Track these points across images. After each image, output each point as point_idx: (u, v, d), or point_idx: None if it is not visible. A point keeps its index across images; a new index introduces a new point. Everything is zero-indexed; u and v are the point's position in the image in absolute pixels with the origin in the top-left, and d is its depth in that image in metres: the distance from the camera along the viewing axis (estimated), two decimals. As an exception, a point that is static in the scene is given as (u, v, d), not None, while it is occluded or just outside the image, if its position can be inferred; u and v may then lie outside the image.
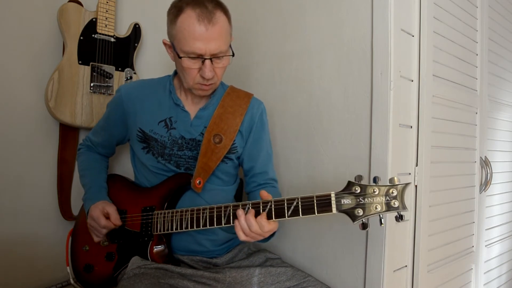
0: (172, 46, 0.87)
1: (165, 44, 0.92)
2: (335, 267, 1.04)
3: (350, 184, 0.72)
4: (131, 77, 1.32)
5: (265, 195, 0.79)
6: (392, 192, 0.68)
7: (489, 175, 1.30)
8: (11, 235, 1.19)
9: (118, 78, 1.30)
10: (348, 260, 1.00)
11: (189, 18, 0.81)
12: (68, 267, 1.00)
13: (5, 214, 1.18)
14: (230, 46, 0.90)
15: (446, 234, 1.12)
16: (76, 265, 0.98)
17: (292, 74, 1.21)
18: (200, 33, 0.81)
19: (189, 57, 0.84)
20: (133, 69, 1.33)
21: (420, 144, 1.00)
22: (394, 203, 0.68)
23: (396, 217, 0.69)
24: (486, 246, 1.35)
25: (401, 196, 0.68)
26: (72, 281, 1.00)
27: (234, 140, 0.98)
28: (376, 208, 0.69)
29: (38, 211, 1.25)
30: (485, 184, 1.30)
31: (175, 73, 1.00)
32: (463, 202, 1.21)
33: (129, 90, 0.99)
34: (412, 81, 1.00)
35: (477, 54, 1.26)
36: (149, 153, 0.96)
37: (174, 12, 0.84)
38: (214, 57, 0.85)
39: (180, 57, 0.84)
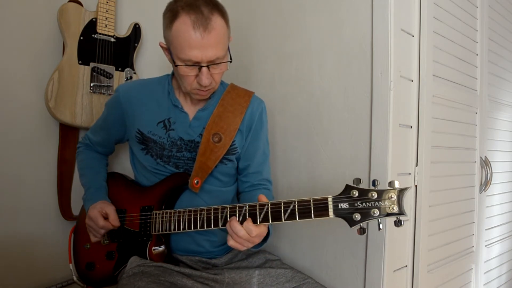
0: (169, 51, 0.86)
1: (162, 46, 0.90)
2: (335, 267, 1.04)
3: (348, 188, 0.69)
4: (131, 77, 1.32)
5: (264, 199, 0.78)
6: (391, 197, 0.66)
7: (489, 175, 1.30)
8: (11, 235, 1.19)
9: (118, 78, 1.30)
10: (348, 260, 1.00)
11: (184, 25, 0.78)
12: (70, 264, 1.00)
13: (5, 214, 1.18)
14: (228, 49, 0.87)
15: (446, 234, 1.12)
16: (78, 263, 0.99)
17: (292, 74, 1.21)
18: (196, 41, 0.78)
19: (186, 65, 0.82)
20: (133, 69, 1.33)
21: (420, 144, 1.00)
22: (392, 208, 0.65)
23: (395, 221, 0.67)
24: (486, 246, 1.35)
25: (399, 200, 0.66)
26: (75, 278, 1.00)
27: (234, 139, 0.96)
28: (374, 213, 0.66)
29: (38, 211, 1.25)
30: (485, 184, 1.30)
31: (174, 73, 0.99)
32: (463, 202, 1.21)
33: (127, 90, 0.97)
34: (412, 81, 1.00)
35: (477, 54, 1.26)
36: (148, 154, 0.96)
37: (169, 17, 0.81)
38: (211, 64, 0.82)
39: (176, 65, 0.83)
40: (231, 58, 0.87)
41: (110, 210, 0.92)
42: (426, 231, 1.02)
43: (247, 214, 0.76)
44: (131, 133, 0.98)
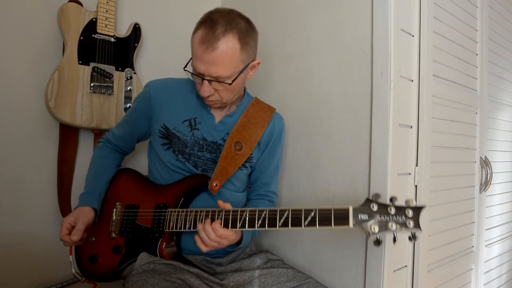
0: None
1: None
2: (335, 267, 1.04)
3: (367, 201, 0.74)
4: (131, 77, 1.32)
5: (221, 205, 0.85)
6: (408, 213, 0.72)
7: (489, 175, 1.30)
8: (11, 235, 1.19)
9: (118, 78, 1.30)
10: (348, 260, 1.00)
11: (196, 37, 0.85)
12: (70, 256, 1.00)
13: (5, 214, 1.18)
14: (242, 71, 0.88)
15: (446, 234, 1.12)
16: (80, 255, 0.98)
17: (292, 74, 1.21)
18: (199, 54, 0.84)
19: (193, 73, 0.88)
20: (133, 69, 1.33)
21: (420, 144, 1.00)
22: (409, 223, 0.71)
23: (409, 237, 0.72)
24: (486, 246, 1.35)
25: (416, 217, 0.71)
26: (73, 271, 0.98)
27: (253, 150, 1.01)
28: (391, 226, 0.71)
29: (38, 211, 1.24)
30: (485, 184, 1.30)
31: None
32: (463, 202, 1.21)
33: (157, 85, 1.01)
34: (412, 81, 1.00)
35: (477, 54, 1.26)
36: (169, 149, 0.98)
37: (196, 26, 0.87)
38: (213, 80, 0.86)
39: (185, 70, 0.89)
40: (232, 81, 0.88)
41: (80, 224, 0.88)
42: (426, 231, 1.02)
43: (266, 219, 0.80)
44: (155, 128, 1.00)
